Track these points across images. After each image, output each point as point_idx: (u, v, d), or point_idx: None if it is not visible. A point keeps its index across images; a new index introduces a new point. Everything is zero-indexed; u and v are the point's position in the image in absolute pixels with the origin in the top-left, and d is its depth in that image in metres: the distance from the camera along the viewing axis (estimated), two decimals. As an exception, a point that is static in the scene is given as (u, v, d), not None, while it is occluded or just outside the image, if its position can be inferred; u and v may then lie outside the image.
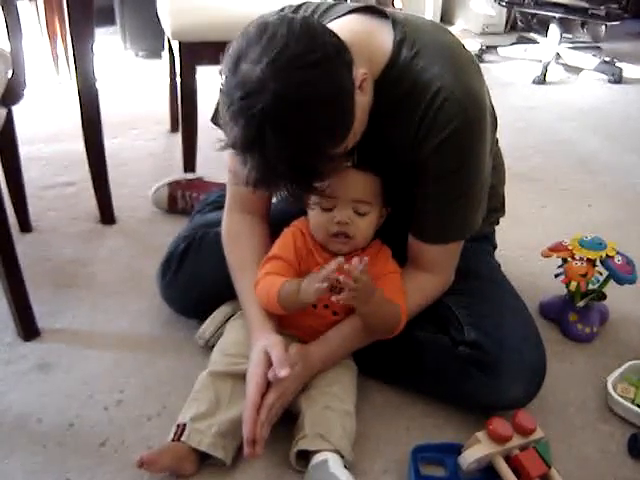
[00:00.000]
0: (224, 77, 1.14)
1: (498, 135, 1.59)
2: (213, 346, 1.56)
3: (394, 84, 1.34)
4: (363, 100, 1.25)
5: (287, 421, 1.41)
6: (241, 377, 1.40)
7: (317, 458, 1.31)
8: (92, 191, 2.27)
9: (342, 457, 1.32)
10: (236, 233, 1.57)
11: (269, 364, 1.33)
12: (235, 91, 1.10)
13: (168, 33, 2.38)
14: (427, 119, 1.33)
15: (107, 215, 2.30)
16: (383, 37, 1.34)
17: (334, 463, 1.28)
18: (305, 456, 1.34)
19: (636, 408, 1.54)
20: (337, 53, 1.15)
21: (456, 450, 1.37)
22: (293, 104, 1.08)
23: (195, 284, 1.64)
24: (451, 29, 1.43)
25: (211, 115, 1.57)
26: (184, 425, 1.35)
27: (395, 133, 1.39)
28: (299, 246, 1.47)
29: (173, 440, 1.34)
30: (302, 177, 1.15)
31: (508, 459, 1.35)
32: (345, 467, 1.31)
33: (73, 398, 1.54)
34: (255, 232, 1.56)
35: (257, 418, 1.29)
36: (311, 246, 1.47)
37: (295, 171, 1.12)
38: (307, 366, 1.39)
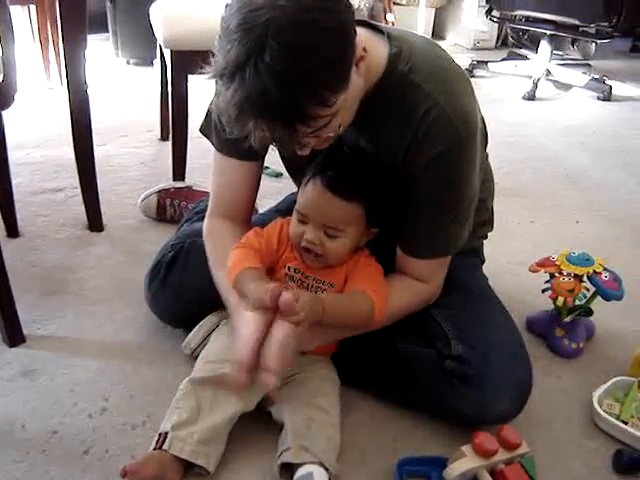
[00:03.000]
0: (227, 6, 1.12)
1: (488, 150, 1.59)
2: (198, 356, 1.55)
3: (387, 97, 1.35)
4: (357, 80, 1.22)
5: (271, 433, 1.41)
6: (222, 383, 1.40)
7: (301, 471, 1.30)
8: (81, 197, 2.26)
9: (326, 470, 1.31)
10: (215, 234, 1.58)
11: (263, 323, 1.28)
12: (242, 8, 1.08)
13: (160, 41, 2.39)
14: (418, 136, 1.34)
15: (95, 222, 2.29)
16: (379, 50, 1.34)
17: (319, 476, 1.28)
18: (289, 468, 1.33)
19: (621, 424, 1.54)
20: (349, 9, 1.14)
21: (441, 464, 1.37)
22: (301, 24, 1.06)
23: (182, 293, 1.63)
24: (442, 44, 1.44)
25: (200, 125, 1.57)
26: (165, 434, 1.34)
27: (386, 146, 1.39)
28: (283, 236, 1.50)
29: (155, 449, 1.33)
30: (287, 107, 1.09)
31: (493, 473, 1.34)
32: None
33: (57, 405, 1.53)
34: (233, 234, 1.54)
35: (256, 349, 1.24)
36: (283, 251, 1.50)
37: (283, 94, 1.07)
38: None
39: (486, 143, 1.54)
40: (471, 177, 1.42)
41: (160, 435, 1.35)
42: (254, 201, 1.64)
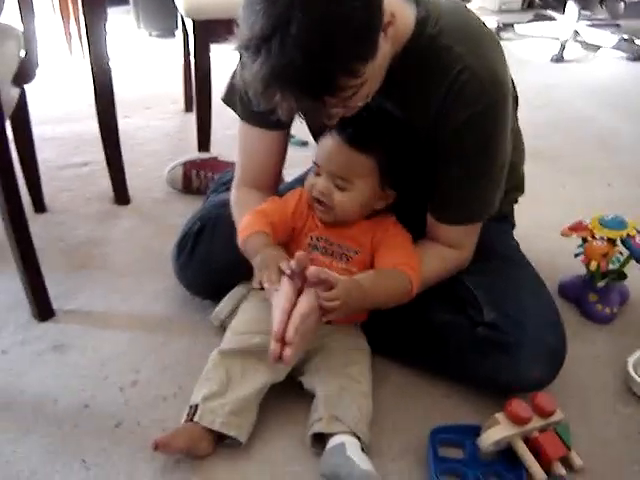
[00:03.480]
0: None
1: (517, 114, 1.56)
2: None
3: (417, 61, 1.32)
4: (385, 47, 1.19)
5: (303, 402, 1.41)
6: (252, 353, 1.40)
7: (333, 441, 1.30)
8: (106, 171, 2.26)
9: (358, 439, 1.31)
10: (243, 202, 1.57)
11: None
12: None
13: (182, 11, 2.36)
14: (449, 99, 1.31)
15: (121, 195, 2.29)
16: (406, 13, 1.31)
17: (351, 446, 1.27)
18: (321, 438, 1.33)
19: (657, 390, 1.51)
20: None
21: (475, 432, 1.36)
22: None
23: (210, 264, 1.62)
24: (468, 7, 1.40)
25: (223, 94, 1.55)
26: (196, 406, 1.34)
27: (415, 111, 1.36)
28: (303, 205, 1.49)
29: (186, 421, 1.33)
30: (314, 79, 1.07)
31: (527, 441, 1.33)
32: (362, 450, 1.30)
33: (88, 379, 1.54)
34: (262, 202, 1.52)
35: (286, 321, 1.23)
36: (304, 219, 1.49)
37: (311, 66, 1.05)
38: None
39: (516, 106, 1.51)
40: (503, 140, 1.39)
41: (191, 407, 1.35)
42: (281, 170, 1.63)
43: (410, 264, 1.40)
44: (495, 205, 1.47)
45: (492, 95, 1.30)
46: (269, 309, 1.29)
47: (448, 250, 1.49)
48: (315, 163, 1.42)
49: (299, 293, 1.27)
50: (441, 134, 1.35)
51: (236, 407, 1.34)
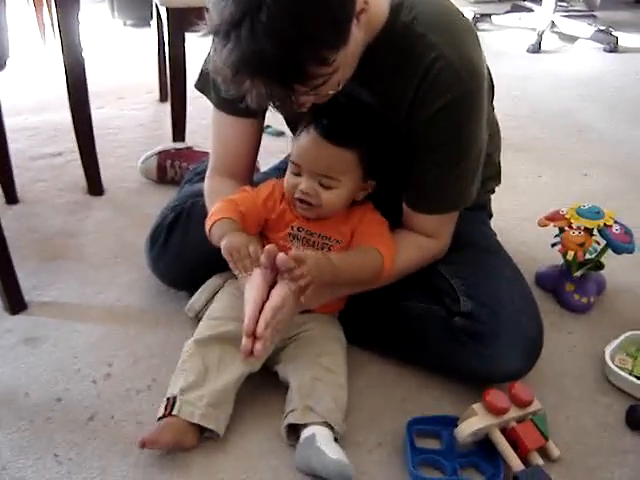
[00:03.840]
0: None
1: (494, 104, 1.55)
2: (203, 318, 1.53)
3: (389, 49, 1.30)
4: (357, 34, 1.18)
5: (278, 394, 1.40)
6: (228, 340, 1.39)
7: (305, 433, 1.29)
8: (79, 161, 2.23)
9: (332, 429, 1.30)
10: (216, 192, 1.54)
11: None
12: None
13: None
14: (423, 87, 1.30)
15: (95, 186, 2.27)
16: (380, 0, 1.30)
17: (321, 437, 1.26)
18: (296, 429, 1.32)
19: (634, 379, 1.52)
20: None
21: (452, 423, 1.35)
22: None
23: (184, 255, 1.60)
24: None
25: (196, 81, 1.53)
26: (174, 398, 1.32)
27: (389, 99, 1.35)
28: (276, 197, 1.46)
29: (164, 414, 1.31)
30: (284, 66, 1.06)
31: (505, 431, 1.33)
32: (335, 440, 1.29)
33: (61, 372, 1.52)
34: (235, 192, 1.51)
35: (257, 316, 1.25)
36: (276, 211, 1.46)
37: (280, 54, 1.03)
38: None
39: (492, 95, 1.50)
40: (478, 130, 1.38)
41: (168, 400, 1.33)
42: (255, 159, 1.60)
43: (383, 242, 1.41)
44: (472, 195, 1.46)
45: (467, 84, 1.29)
46: (244, 297, 1.29)
47: (424, 239, 1.48)
48: (294, 163, 1.40)
49: (271, 285, 1.28)
50: (416, 123, 1.34)
51: (214, 399, 1.33)
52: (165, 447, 1.30)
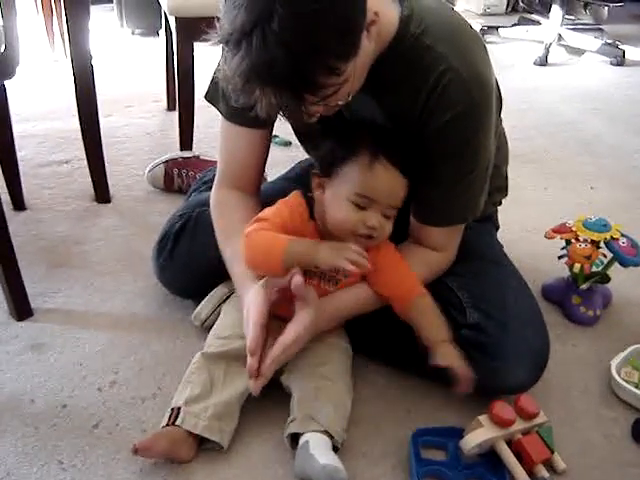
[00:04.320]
0: None
1: (501, 116, 1.55)
2: (209, 327, 1.53)
3: (399, 61, 1.30)
4: (367, 45, 1.18)
5: (283, 404, 1.39)
6: (234, 357, 1.39)
7: (302, 440, 1.29)
8: (87, 169, 2.24)
9: (332, 438, 1.30)
10: (224, 205, 1.55)
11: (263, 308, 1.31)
12: None
13: (165, 8, 2.35)
14: (432, 100, 1.30)
15: (102, 193, 2.27)
16: (390, 12, 1.30)
17: (314, 443, 1.26)
18: (298, 439, 1.31)
19: (640, 392, 1.51)
20: None
21: (457, 434, 1.35)
22: None
23: (191, 264, 1.61)
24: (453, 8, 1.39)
25: (206, 92, 1.54)
26: (178, 409, 1.32)
27: (399, 111, 1.35)
28: (294, 224, 1.40)
29: (168, 424, 1.31)
30: (295, 76, 1.05)
31: (510, 443, 1.32)
32: (336, 449, 1.29)
33: (66, 379, 1.52)
34: (243, 204, 1.52)
35: (259, 336, 1.28)
36: (305, 229, 1.42)
37: (291, 63, 1.03)
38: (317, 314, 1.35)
39: (500, 107, 1.50)
40: (487, 141, 1.38)
41: (173, 410, 1.33)
42: (263, 170, 1.60)
43: (407, 278, 1.44)
44: (480, 207, 1.46)
45: (475, 96, 1.29)
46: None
47: (432, 253, 1.48)
48: (365, 197, 1.33)
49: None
50: (425, 135, 1.34)
51: (218, 411, 1.33)
52: (157, 456, 1.30)
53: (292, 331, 1.29)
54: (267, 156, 1.58)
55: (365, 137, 1.33)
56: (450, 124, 1.30)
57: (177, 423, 1.30)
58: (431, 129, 1.32)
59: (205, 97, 1.55)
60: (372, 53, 1.24)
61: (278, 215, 1.40)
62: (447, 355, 1.36)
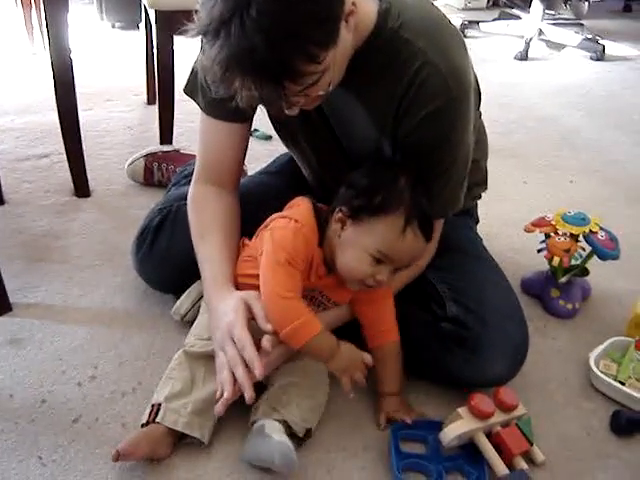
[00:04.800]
0: None
1: (480, 110, 1.56)
2: (189, 321, 1.52)
3: (377, 54, 1.30)
4: (346, 36, 1.17)
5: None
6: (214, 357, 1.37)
7: (257, 424, 1.29)
8: (66, 163, 2.22)
9: (290, 428, 1.29)
10: (199, 201, 1.54)
11: (247, 316, 1.29)
12: None
13: (145, 1, 2.34)
14: (410, 94, 1.29)
15: (82, 187, 2.26)
16: (368, 4, 1.29)
17: (271, 428, 1.26)
18: None
19: (618, 385, 1.52)
20: None
21: (436, 427, 1.35)
22: None
23: (170, 258, 1.60)
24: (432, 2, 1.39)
25: (185, 85, 1.53)
26: (159, 405, 1.31)
27: (377, 105, 1.35)
28: (307, 253, 1.35)
29: (148, 421, 1.30)
30: (275, 64, 1.05)
31: (489, 436, 1.33)
32: (300, 441, 1.31)
33: (45, 374, 1.51)
34: (220, 201, 1.51)
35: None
36: (312, 255, 1.37)
37: (270, 49, 1.02)
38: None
39: (479, 101, 1.50)
40: (466, 136, 1.38)
41: (153, 406, 1.32)
42: (242, 165, 1.59)
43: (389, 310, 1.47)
44: (460, 201, 1.47)
45: (454, 90, 1.28)
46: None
47: None
48: (386, 255, 1.30)
49: None
50: (403, 129, 1.34)
51: (198, 407, 1.32)
52: (139, 459, 1.29)
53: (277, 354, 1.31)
54: (246, 151, 1.57)
55: (405, 195, 1.30)
56: (429, 119, 1.29)
57: (157, 419, 1.29)
58: (410, 124, 1.32)
59: (184, 90, 1.54)
60: (351, 45, 1.23)
61: (297, 254, 1.32)
62: (391, 407, 1.43)
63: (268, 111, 1.34)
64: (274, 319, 1.27)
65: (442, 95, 1.27)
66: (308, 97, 1.17)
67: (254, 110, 1.43)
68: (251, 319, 1.29)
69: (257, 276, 1.32)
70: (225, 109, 1.37)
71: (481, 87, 1.48)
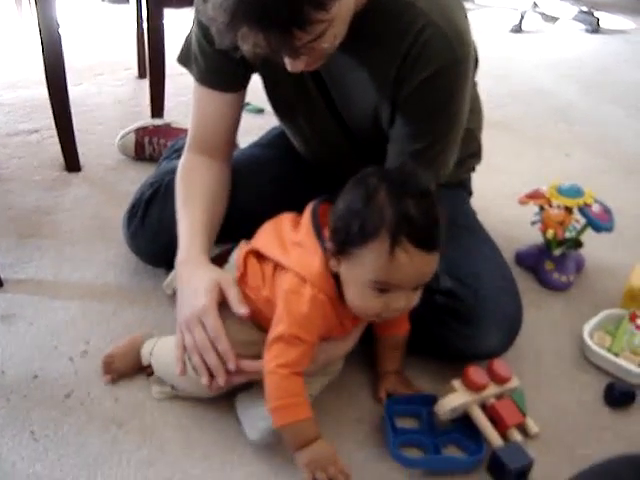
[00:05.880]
0: None
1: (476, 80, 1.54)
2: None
3: (379, 16, 1.27)
4: None
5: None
6: None
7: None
8: (57, 138, 2.20)
9: None
10: (189, 169, 1.52)
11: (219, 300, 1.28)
12: None
13: (134, -27, 2.31)
14: (412, 54, 1.26)
15: (72, 163, 2.24)
16: None
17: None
18: None
19: (612, 357, 1.52)
20: None
21: (430, 401, 1.35)
22: None
23: (161, 232, 1.58)
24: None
25: (178, 55, 1.51)
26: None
27: (379, 67, 1.33)
28: (328, 317, 1.23)
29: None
30: (284, 9, 1.00)
31: (484, 408, 1.33)
32: None
33: (37, 349, 1.50)
34: (210, 171, 1.50)
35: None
36: (341, 315, 1.26)
37: None
38: None
39: (476, 69, 1.48)
40: (464, 100, 1.35)
41: None
42: (235, 136, 1.58)
43: None
44: (450, 166, 1.44)
45: (456, 52, 1.26)
46: None
47: None
48: (387, 283, 1.16)
49: None
50: (404, 90, 1.31)
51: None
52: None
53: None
54: (239, 122, 1.55)
55: (385, 212, 1.12)
56: (431, 80, 1.27)
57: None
58: (411, 85, 1.29)
59: (178, 60, 1.51)
60: (353, 3, 1.21)
61: (310, 329, 1.21)
62: (391, 383, 1.42)
63: (265, 82, 1.32)
64: (267, 390, 1.20)
65: (445, 55, 1.25)
66: (313, 52, 1.14)
67: (248, 79, 1.41)
68: (222, 302, 1.27)
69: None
70: (219, 78, 1.35)
71: (478, 56, 1.46)
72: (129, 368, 1.42)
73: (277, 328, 1.20)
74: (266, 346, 1.21)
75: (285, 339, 1.19)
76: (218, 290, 1.27)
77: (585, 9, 4.54)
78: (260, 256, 1.30)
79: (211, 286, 1.27)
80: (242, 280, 1.31)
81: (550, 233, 1.74)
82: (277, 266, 1.26)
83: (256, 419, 1.27)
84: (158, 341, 1.43)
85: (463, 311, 1.41)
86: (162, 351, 1.39)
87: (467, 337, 1.40)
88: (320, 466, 1.18)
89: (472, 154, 1.70)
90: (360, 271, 1.16)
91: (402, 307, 1.21)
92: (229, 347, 1.22)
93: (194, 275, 1.33)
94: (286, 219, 1.33)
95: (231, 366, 1.22)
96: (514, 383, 1.37)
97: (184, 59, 1.50)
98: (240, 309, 1.24)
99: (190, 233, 1.42)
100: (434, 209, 1.15)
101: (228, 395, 1.35)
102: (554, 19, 4.55)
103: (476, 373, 1.32)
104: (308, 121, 1.53)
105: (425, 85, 1.28)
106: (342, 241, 1.16)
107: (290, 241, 1.27)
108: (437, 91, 1.29)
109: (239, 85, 1.45)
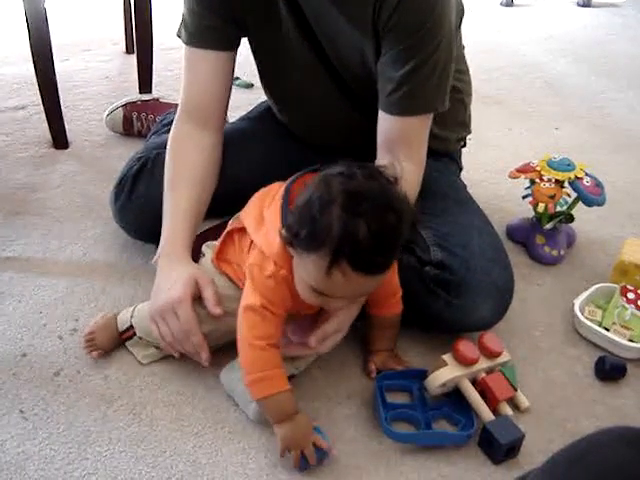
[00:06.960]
0: None
1: (466, 56, 1.52)
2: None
3: None
4: None
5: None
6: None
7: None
8: (44, 115, 2.19)
9: None
10: (180, 141, 1.50)
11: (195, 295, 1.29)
12: None
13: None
14: None
15: (59, 139, 2.22)
16: None
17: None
18: None
19: (603, 331, 1.52)
20: None
21: (421, 376, 1.35)
22: None
23: (149, 206, 1.55)
24: None
25: (177, 30, 1.49)
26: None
27: (354, 9, 1.32)
28: (293, 293, 1.21)
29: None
30: None
31: (474, 382, 1.33)
32: None
33: (26, 328, 1.49)
34: (202, 146, 1.48)
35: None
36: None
37: None
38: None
39: (461, 18, 1.45)
40: (445, 20, 1.32)
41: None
42: (227, 103, 1.55)
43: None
44: (445, 101, 1.41)
45: None
46: None
47: (408, 172, 1.28)
48: (319, 291, 1.15)
49: None
50: (384, 14, 1.29)
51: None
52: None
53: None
54: (229, 92, 1.53)
55: (332, 230, 1.06)
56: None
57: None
58: (390, 7, 1.27)
59: (178, 35, 1.49)
60: None
61: (279, 302, 1.21)
62: (381, 360, 1.41)
63: (254, 37, 1.29)
64: (243, 363, 1.21)
65: None
66: None
67: (238, 40, 1.43)
68: (197, 297, 1.29)
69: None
70: (210, 35, 1.35)
71: (466, 33, 1.44)
72: (112, 340, 1.41)
73: (248, 298, 1.21)
74: (239, 313, 1.22)
75: (257, 311, 1.19)
76: (195, 285, 1.29)
77: (576, -18, 4.52)
78: (242, 229, 1.31)
79: (189, 281, 1.29)
80: (219, 257, 1.36)
81: (541, 207, 1.73)
82: (252, 242, 1.27)
83: (248, 400, 1.27)
84: (138, 304, 1.44)
85: (454, 282, 1.40)
86: (143, 312, 1.39)
87: (458, 308, 1.39)
88: (295, 443, 1.19)
89: (462, 123, 1.70)
90: (302, 271, 1.15)
91: (343, 307, 1.24)
92: (202, 340, 1.27)
93: (174, 270, 1.34)
94: (273, 190, 1.31)
95: (204, 358, 1.27)
96: (505, 357, 1.37)
97: (178, 31, 1.48)
98: (215, 309, 1.27)
99: (173, 223, 1.42)
100: (391, 229, 1.08)
101: (217, 370, 1.35)
102: (545, -8, 4.53)
103: (466, 347, 1.32)
104: (299, 81, 1.52)
105: (403, 4, 1.26)
106: (292, 238, 1.12)
107: (264, 216, 1.27)
108: (416, 9, 1.27)
109: (230, 44, 1.44)
